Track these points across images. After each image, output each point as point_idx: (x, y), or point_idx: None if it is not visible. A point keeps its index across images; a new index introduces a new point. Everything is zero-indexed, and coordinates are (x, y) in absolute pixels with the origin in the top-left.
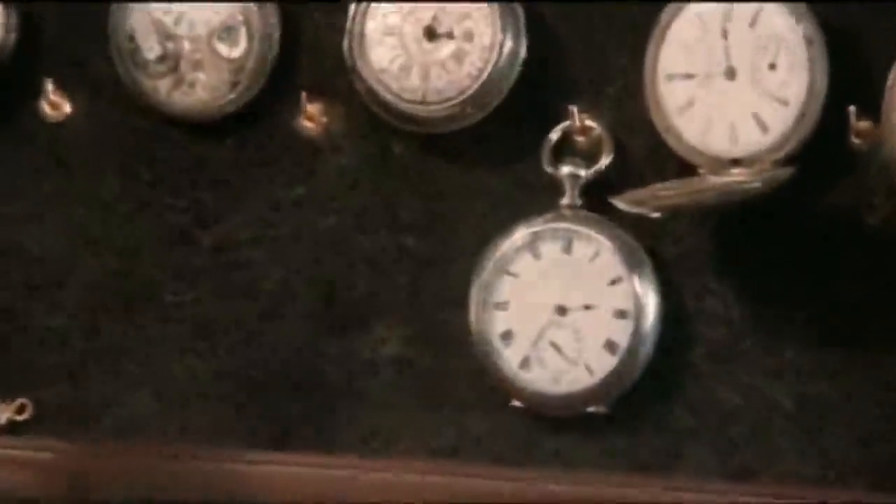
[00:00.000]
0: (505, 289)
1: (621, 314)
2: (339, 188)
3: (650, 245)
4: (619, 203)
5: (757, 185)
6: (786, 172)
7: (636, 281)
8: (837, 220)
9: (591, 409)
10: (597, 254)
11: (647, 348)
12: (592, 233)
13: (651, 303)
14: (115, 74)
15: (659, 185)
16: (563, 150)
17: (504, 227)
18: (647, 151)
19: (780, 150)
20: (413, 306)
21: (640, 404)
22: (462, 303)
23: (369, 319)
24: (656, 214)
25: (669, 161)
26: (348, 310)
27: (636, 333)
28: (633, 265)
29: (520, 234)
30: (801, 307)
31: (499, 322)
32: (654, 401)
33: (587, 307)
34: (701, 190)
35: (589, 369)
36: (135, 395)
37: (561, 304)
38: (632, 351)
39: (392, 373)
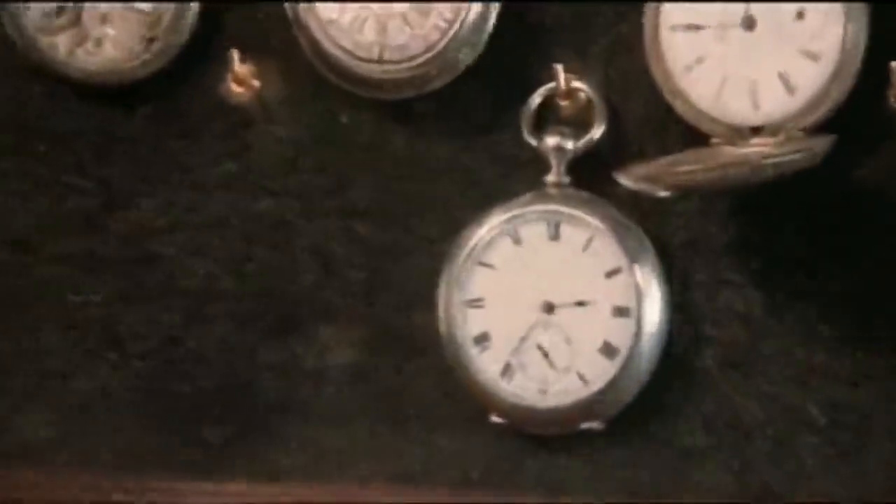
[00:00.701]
0: (480, 283)
1: (620, 312)
2: (277, 165)
3: (654, 229)
4: (624, 179)
5: (793, 158)
6: (825, 142)
7: (638, 272)
8: (877, 197)
9: (585, 425)
10: (590, 240)
11: (651, 352)
12: (584, 215)
13: (655, 298)
14: (1, 29)
15: (669, 159)
16: (547, 117)
17: (478, 210)
18: (647, 118)
19: (809, 115)
20: (369, 305)
21: (643, 418)
22: (428, 301)
23: (315, 321)
24: (665, 194)
25: (674, 130)
26: (289, 310)
27: (638, 334)
28: (633, 253)
29: (497, 219)
30: (834, 302)
31: (473, 323)
32: (659, 414)
33: (580, 304)
34: (725, 165)
35: (582, 378)
36: (27, 416)
37: (548, 301)
38: (633, 355)
39: (344, 384)
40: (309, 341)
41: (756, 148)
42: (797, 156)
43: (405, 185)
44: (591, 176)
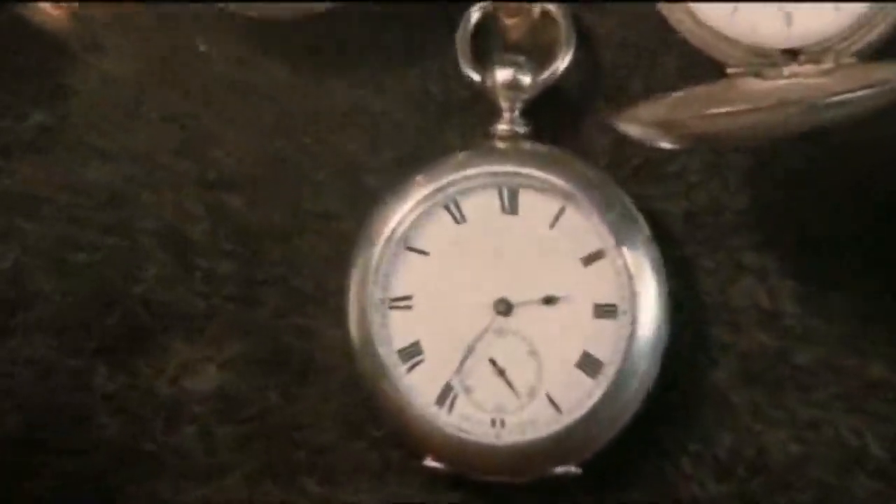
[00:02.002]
0: (407, 276)
1: (604, 311)
2: (107, 115)
3: (646, 197)
4: (624, 126)
5: (865, 95)
6: None
7: (627, 257)
8: None
9: (557, 469)
10: (560, 213)
11: (645, 366)
12: (551, 178)
13: (651, 292)
14: None
15: (678, 97)
16: (493, 42)
17: (399, 174)
18: (633, 41)
19: (858, 36)
20: (245, 309)
21: (634, 459)
22: (330, 301)
23: (168, 333)
24: (669, 145)
25: (672, 56)
26: (131, 318)
27: (629, 342)
28: (620, 230)
29: (428, 186)
30: (889, 295)
31: (398, 330)
32: (656, 453)
33: (548, 301)
34: (769, 106)
35: (553, 403)
36: None
37: (503, 298)
38: (623, 371)
39: (211, 420)
40: (160, 361)
41: (806, 80)
42: (870, 92)
43: (292, 140)
44: (557, 123)
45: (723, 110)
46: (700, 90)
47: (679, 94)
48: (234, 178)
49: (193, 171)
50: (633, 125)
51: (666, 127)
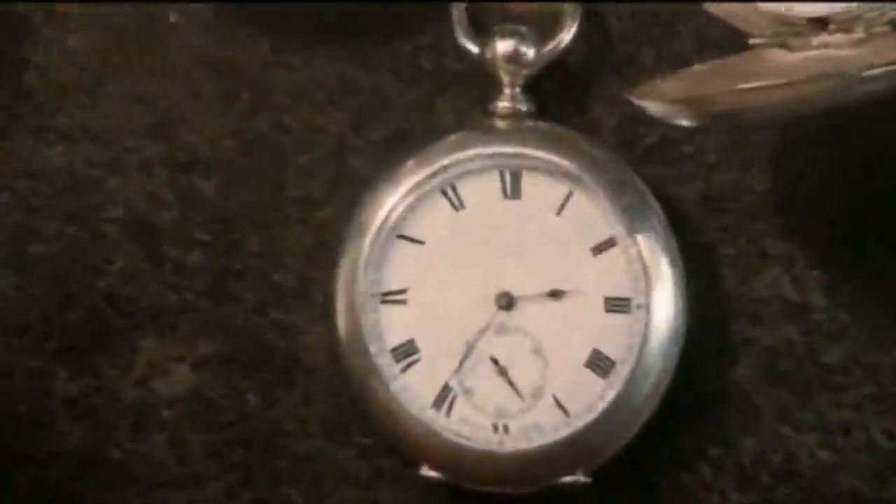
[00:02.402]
0: (401, 268)
1: (616, 305)
2: (69, 93)
3: (661, 180)
4: (639, 101)
5: None
6: None
7: (641, 245)
8: None
9: (565, 478)
10: (567, 198)
11: (662, 366)
12: (558, 160)
13: (667, 283)
14: None
15: (700, 71)
16: (493, 11)
17: (391, 155)
18: (644, 10)
19: (890, 4)
20: (218, 304)
21: (649, 468)
22: (317, 295)
23: (136, 331)
24: (691, 122)
25: (687, 26)
26: (94, 314)
27: (643, 339)
28: (633, 217)
29: (423, 170)
30: None
31: (392, 326)
32: (673, 458)
33: (554, 294)
34: (804, 80)
35: (561, 406)
36: None
37: (505, 292)
38: (636, 371)
39: (183, 426)
40: (127, 361)
41: (837, 51)
42: None
43: (272, 120)
44: (562, 100)
45: (752, 85)
46: (723, 63)
47: (700, 67)
48: (207, 160)
49: (163, 154)
50: (652, 101)
51: (690, 103)
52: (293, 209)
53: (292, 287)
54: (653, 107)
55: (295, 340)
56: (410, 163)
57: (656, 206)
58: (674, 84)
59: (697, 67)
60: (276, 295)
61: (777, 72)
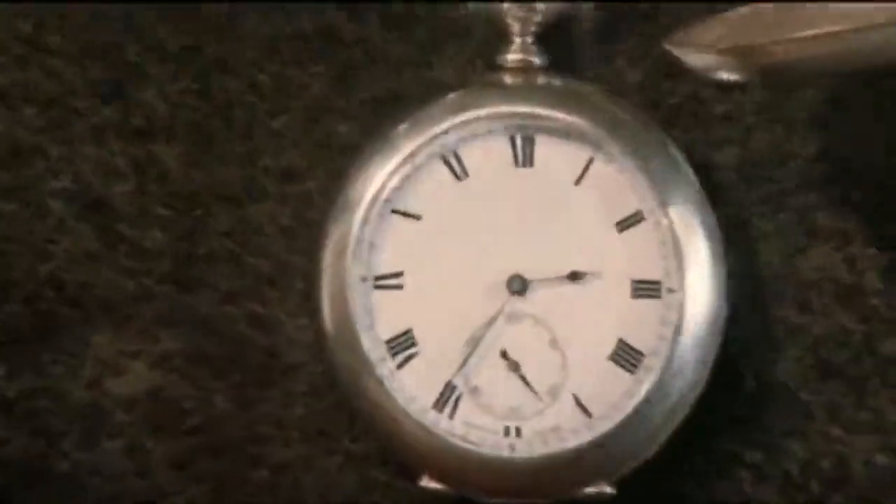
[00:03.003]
0: (395, 247)
1: (645, 290)
2: (5, 46)
3: (693, 144)
4: (675, 51)
5: None
6: None
7: (673, 220)
8: None
9: (586, 489)
10: (587, 166)
11: (696, 358)
12: (576, 120)
13: (704, 265)
14: None
15: (744, 13)
16: None
17: (381, 119)
18: None
19: None
20: (182, 291)
21: (682, 474)
22: (298, 282)
23: (85, 323)
24: (734, 76)
25: None
26: (41, 306)
27: (677, 328)
28: (665, 187)
29: (420, 134)
30: None
31: (385, 315)
32: (710, 464)
33: (573, 277)
34: (869, 26)
35: (581, 406)
36: None
37: (517, 274)
38: (669, 365)
39: (142, 431)
40: (76, 358)
41: None
42: None
43: (242, 77)
44: (579, 53)
45: (812, 33)
46: (771, 6)
47: (743, 10)
48: (168, 125)
49: (116, 118)
50: (691, 52)
51: (739, 54)
52: (268, 181)
53: (268, 272)
54: (693, 58)
55: (272, 333)
56: (404, 127)
57: (691, 174)
58: (716, 31)
59: (740, 11)
60: (250, 281)
61: (839, 17)
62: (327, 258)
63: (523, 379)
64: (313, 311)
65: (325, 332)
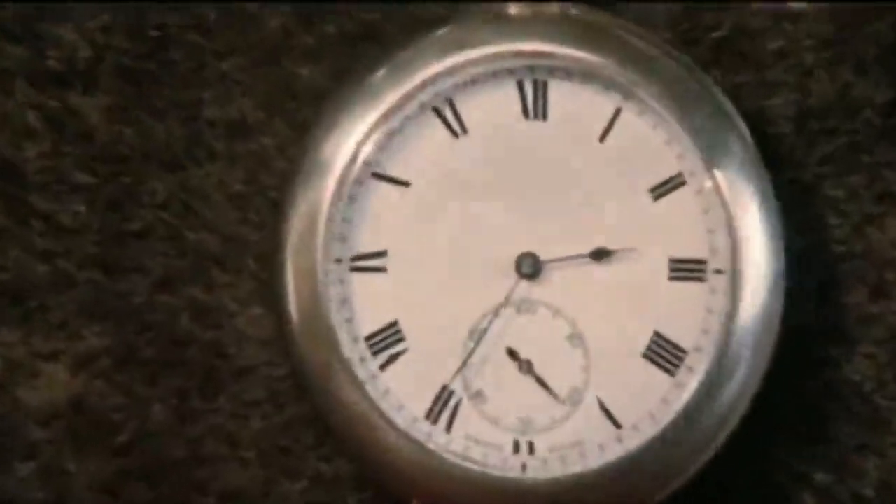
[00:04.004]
0: (377, 220)
1: (686, 270)
2: None
3: (739, 89)
4: None
5: None
6: None
7: (721, 185)
8: None
9: None
10: (614, 118)
11: (750, 355)
12: (599, 61)
13: (758, 241)
14: None
15: None
16: None
17: (357, 59)
18: None
19: None
20: (114, 280)
21: (732, 497)
22: (253, 264)
23: (15, 311)
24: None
25: None
26: None
27: (727, 318)
28: (711, 144)
29: (402, 79)
30: None
31: (368, 306)
32: (766, 485)
33: (598, 255)
34: None
35: (608, 414)
36: None
37: (529, 253)
38: (718, 364)
39: (67, 450)
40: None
41: None
42: None
43: (181, 9)
44: None
45: None
46: None
47: None
48: (90, 69)
49: (25, 59)
50: None
51: None
52: (214, 138)
53: (215, 251)
54: None
55: (221, 327)
56: (384, 71)
57: (741, 127)
58: None
59: None
60: (193, 263)
61: None
62: (292, 234)
63: (539, 381)
64: (273, 299)
65: (289, 325)
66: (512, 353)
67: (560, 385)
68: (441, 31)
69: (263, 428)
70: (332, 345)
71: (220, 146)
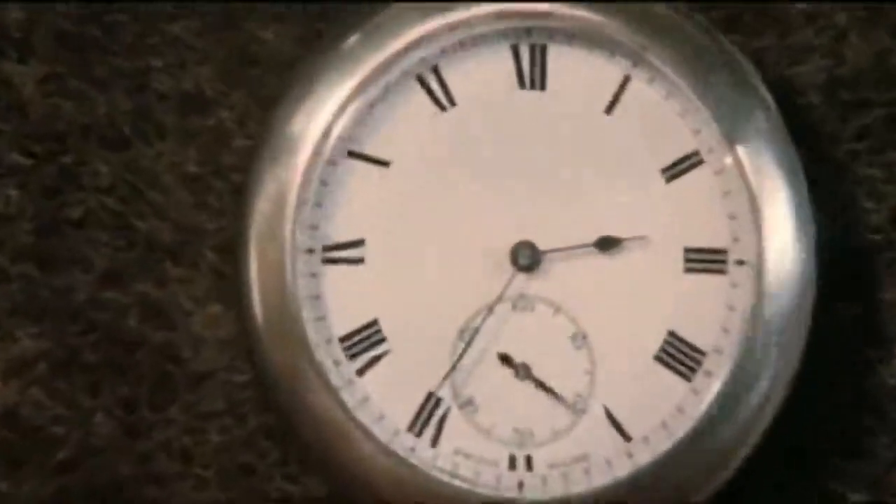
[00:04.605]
0: (354, 205)
1: (703, 261)
2: None
3: (762, 53)
4: None
5: None
6: None
7: (744, 162)
8: None
9: None
10: (622, 87)
11: (779, 360)
12: (605, 22)
13: (786, 227)
14: None
15: None
16: None
17: (326, 19)
18: None
19: None
20: (50, 275)
21: None
22: (210, 256)
23: None
24: None
25: None
26: None
27: (751, 316)
28: (731, 117)
29: (379, 43)
30: None
31: (342, 302)
32: None
33: (603, 245)
34: None
35: (617, 426)
36: None
37: (526, 242)
38: (740, 367)
39: (10, 444)
40: None
41: None
42: None
43: None
44: None
45: None
46: None
47: None
48: (21, 34)
49: None
50: None
51: None
52: (165, 113)
53: (168, 242)
54: None
55: (174, 328)
56: (360, 34)
57: (767, 98)
58: None
59: None
60: (142, 255)
61: None
62: (256, 221)
63: (539, 385)
64: (235, 295)
65: (253, 325)
66: (506, 360)
67: (562, 392)
68: None
69: (223, 442)
70: (303, 347)
71: (172, 121)
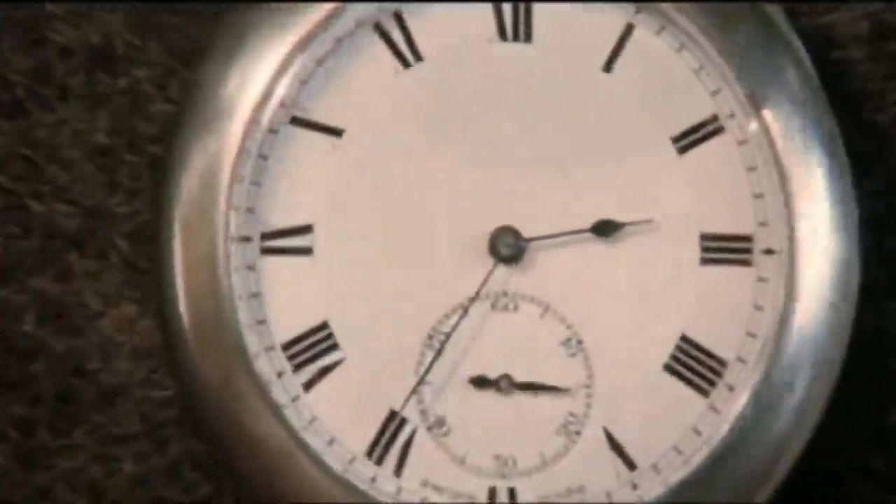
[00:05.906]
0: (300, 185)
1: (725, 251)
2: None
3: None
4: None
5: None
6: None
7: (773, 127)
8: None
9: None
10: (622, 39)
11: (816, 368)
12: None
13: (821, 209)
14: None
15: None
16: None
17: None
18: None
19: None
20: None
21: None
22: (126, 247)
23: None
24: None
25: None
26: None
27: (782, 316)
28: (757, 78)
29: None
30: None
31: (286, 300)
32: None
33: (601, 230)
34: None
35: (619, 452)
36: None
37: (508, 227)
38: (767, 381)
39: None
40: None
41: None
42: None
43: None
44: None
45: None
46: None
47: None
48: None
49: None
50: None
51: None
52: (68, 72)
53: (72, 229)
54: None
55: (80, 333)
56: None
57: (799, 51)
58: None
59: None
60: (41, 245)
61: None
62: (180, 204)
63: (528, 403)
64: (155, 293)
65: (177, 329)
66: (481, 383)
67: (552, 409)
68: None
69: (139, 473)
70: (238, 356)
71: (75, 82)
